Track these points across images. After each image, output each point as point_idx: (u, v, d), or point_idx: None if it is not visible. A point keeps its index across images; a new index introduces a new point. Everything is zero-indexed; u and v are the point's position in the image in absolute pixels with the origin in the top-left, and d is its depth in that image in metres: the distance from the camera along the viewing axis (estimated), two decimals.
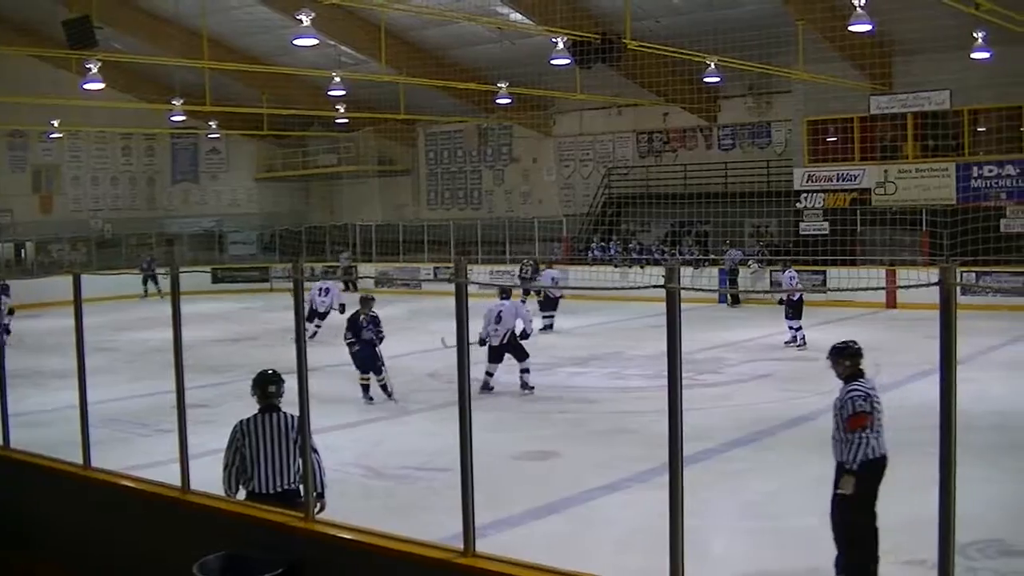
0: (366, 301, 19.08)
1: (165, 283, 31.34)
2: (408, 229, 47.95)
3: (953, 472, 4.37)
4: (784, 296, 25.09)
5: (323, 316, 27.58)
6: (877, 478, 9.10)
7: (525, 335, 19.60)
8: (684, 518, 5.10)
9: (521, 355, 19.26)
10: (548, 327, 28.36)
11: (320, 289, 27.73)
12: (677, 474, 5.08)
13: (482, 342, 18.94)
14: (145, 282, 42.24)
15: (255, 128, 46.54)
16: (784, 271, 27.44)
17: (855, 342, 9.55)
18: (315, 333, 26.46)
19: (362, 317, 18.78)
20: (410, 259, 46.28)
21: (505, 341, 19.01)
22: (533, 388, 19.09)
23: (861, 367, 9.44)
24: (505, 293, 19.78)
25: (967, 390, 16.00)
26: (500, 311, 19.00)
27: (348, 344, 18.95)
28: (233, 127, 47.97)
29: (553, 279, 30.87)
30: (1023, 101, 33.10)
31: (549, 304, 29.15)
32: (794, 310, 24.81)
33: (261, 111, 42.70)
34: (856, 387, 9.18)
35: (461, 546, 5.93)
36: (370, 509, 10.84)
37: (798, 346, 24.24)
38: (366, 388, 18.75)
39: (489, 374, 19.11)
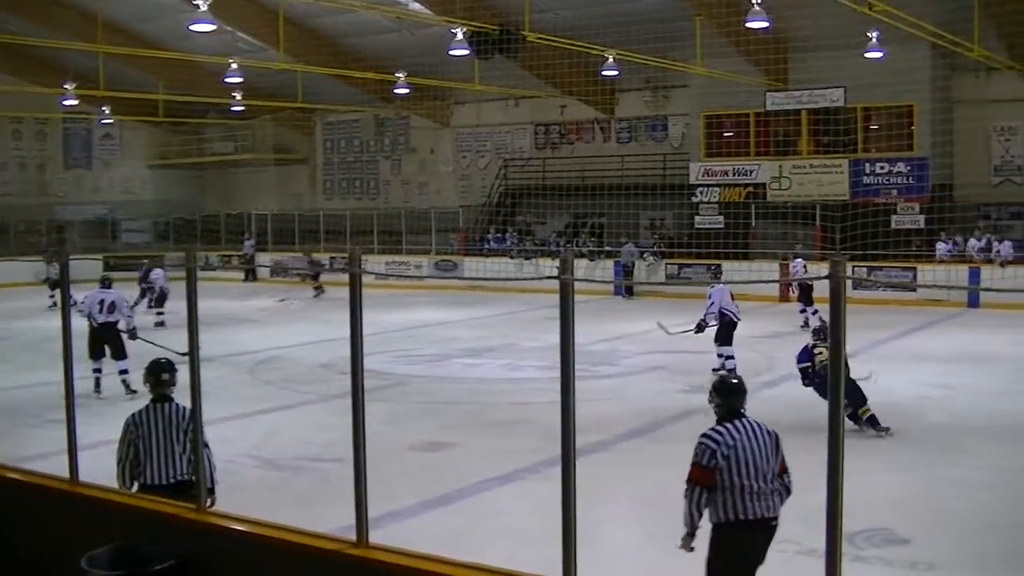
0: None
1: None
2: (304, 218, 47.66)
3: (841, 463, 4.41)
4: (795, 283, 25.51)
5: (160, 302, 29.03)
6: (736, 547, 7.72)
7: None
8: (577, 509, 5.11)
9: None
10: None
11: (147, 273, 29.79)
12: (570, 465, 5.09)
13: (700, 328, 19.47)
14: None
15: (150, 114, 45.96)
16: (794, 259, 28.09)
17: (736, 379, 8.52)
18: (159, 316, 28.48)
19: None
20: (306, 248, 45.99)
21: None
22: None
23: (741, 408, 8.25)
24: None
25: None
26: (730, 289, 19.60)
27: None
28: (127, 113, 47.30)
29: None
30: (915, 100, 33.66)
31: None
32: (804, 296, 25.61)
33: (156, 97, 42.18)
34: (709, 434, 7.92)
35: (354, 537, 5.91)
36: (263, 500, 10.75)
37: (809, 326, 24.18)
38: None
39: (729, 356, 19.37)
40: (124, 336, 18.64)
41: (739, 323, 19.66)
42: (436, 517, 10.88)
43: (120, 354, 18.36)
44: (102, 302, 18.34)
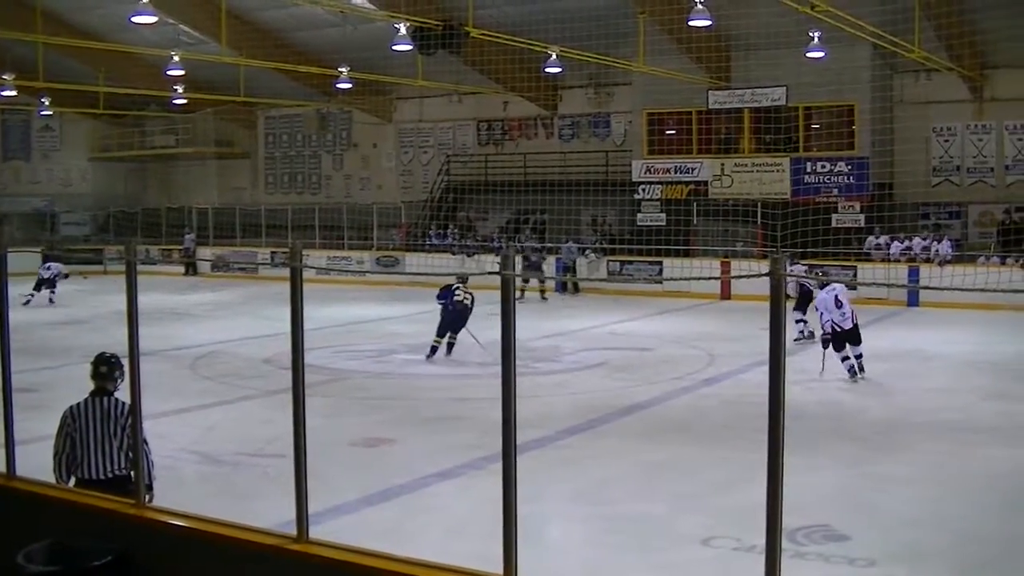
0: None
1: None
2: (246, 213, 47.41)
3: (781, 460, 4.44)
4: (795, 288, 24.18)
5: (51, 284, 32.61)
6: None
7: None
8: (518, 504, 5.12)
9: (857, 340, 18.67)
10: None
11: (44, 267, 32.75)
12: (511, 460, 5.10)
13: (826, 343, 18.58)
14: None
15: (91, 106, 45.41)
16: (792, 265, 26.28)
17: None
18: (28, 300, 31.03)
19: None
20: (247, 243, 45.80)
21: (855, 324, 18.45)
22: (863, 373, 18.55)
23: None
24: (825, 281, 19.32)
25: (798, 380, 16.39)
26: (836, 294, 18.34)
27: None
28: (67, 104, 46.83)
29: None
30: (856, 100, 33.93)
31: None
32: (802, 305, 23.89)
33: (97, 89, 41.71)
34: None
35: (295, 532, 5.89)
36: (203, 496, 10.70)
37: (805, 338, 23.21)
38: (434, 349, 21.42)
39: (847, 357, 18.57)
40: None
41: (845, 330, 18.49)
42: (376, 512, 10.87)
43: None
44: None
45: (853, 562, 9.30)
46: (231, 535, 6.22)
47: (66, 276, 33.71)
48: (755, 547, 8.35)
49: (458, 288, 21.48)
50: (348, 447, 13.59)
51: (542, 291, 33.65)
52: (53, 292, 32.88)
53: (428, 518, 10.69)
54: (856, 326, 18.48)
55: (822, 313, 18.58)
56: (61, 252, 39.76)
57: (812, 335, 22.65)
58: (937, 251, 32.05)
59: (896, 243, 32.78)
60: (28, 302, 30.90)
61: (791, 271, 24.86)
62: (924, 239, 32.73)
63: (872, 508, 10.99)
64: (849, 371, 18.39)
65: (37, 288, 32.22)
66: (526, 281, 32.86)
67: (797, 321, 23.48)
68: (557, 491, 11.35)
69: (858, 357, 18.56)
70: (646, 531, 10.29)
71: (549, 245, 37.92)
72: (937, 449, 13.64)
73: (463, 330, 21.46)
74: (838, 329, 18.33)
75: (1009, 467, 12.74)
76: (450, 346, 21.67)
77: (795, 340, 22.76)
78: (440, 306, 21.62)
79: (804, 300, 23.75)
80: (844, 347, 18.51)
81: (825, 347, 18.72)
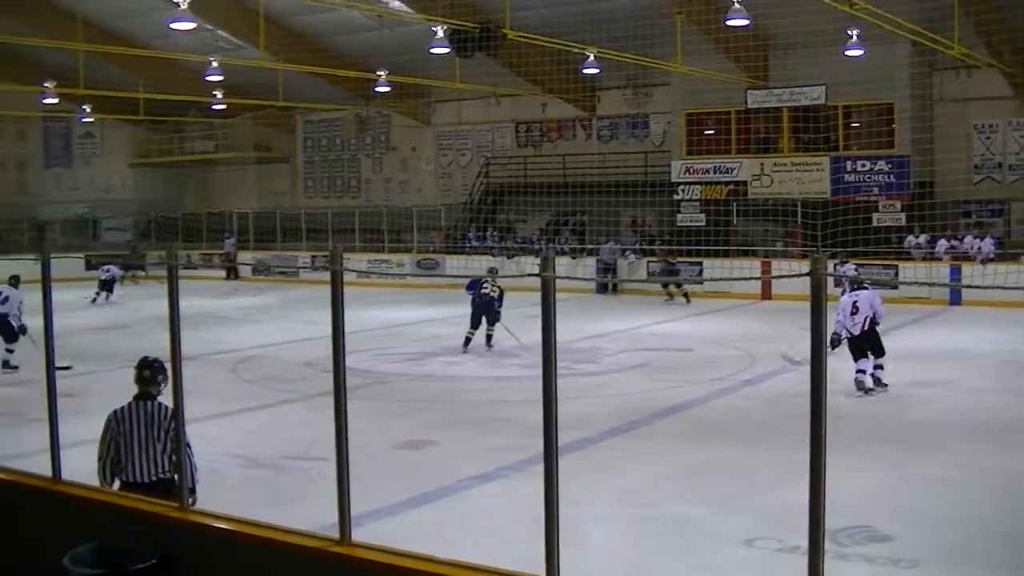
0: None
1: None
2: (285, 217, 47.58)
3: (823, 460, 4.42)
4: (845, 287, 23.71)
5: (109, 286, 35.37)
6: None
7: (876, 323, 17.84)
8: (560, 506, 5.11)
9: (878, 350, 17.74)
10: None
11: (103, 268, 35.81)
12: (552, 462, 5.09)
13: (834, 343, 17.20)
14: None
15: (130, 113, 45.73)
16: (843, 264, 26.38)
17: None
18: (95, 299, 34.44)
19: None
20: (288, 247, 45.96)
21: (866, 330, 17.48)
22: (887, 385, 17.62)
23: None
24: (857, 284, 18.61)
25: (839, 380, 16.31)
26: (856, 301, 17.55)
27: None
28: (108, 111, 47.11)
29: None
30: (895, 98, 33.75)
31: None
32: None
33: (137, 96, 42.01)
34: None
35: (337, 535, 5.90)
36: (246, 499, 10.74)
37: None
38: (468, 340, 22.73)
39: (861, 371, 17.48)
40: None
41: (852, 337, 17.65)
42: (418, 515, 10.88)
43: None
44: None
45: (897, 563, 9.25)
46: (274, 537, 6.24)
47: (121, 280, 36.58)
48: (798, 548, 8.30)
49: (486, 281, 22.47)
50: (390, 450, 13.62)
51: (684, 294, 33.46)
52: (111, 293, 35.72)
53: (470, 520, 10.70)
54: (875, 334, 17.61)
55: (838, 315, 17.68)
56: (131, 258, 40.67)
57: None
58: (979, 249, 31.84)
59: (943, 241, 32.52)
60: (95, 300, 34.73)
61: (843, 271, 24.85)
62: (975, 237, 32.47)
63: (914, 509, 10.94)
64: (856, 384, 17.29)
65: (100, 290, 35.59)
66: (665, 286, 33.68)
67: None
68: (599, 493, 11.34)
69: (877, 368, 17.63)
70: (688, 532, 10.26)
71: (589, 247, 37.90)
72: (978, 450, 13.53)
73: (500, 325, 22.62)
74: (848, 335, 17.54)
75: None
76: (488, 337, 22.88)
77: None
78: (469, 297, 23.06)
79: None
80: (863, 356, 17.56)
81: (832, 348, 17.19)
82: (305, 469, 12.57)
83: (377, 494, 10.75)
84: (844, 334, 17.57)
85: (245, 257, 45.71)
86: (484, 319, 22.80)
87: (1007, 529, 10.35)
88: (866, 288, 17.89)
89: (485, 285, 22.62)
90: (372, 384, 18.79)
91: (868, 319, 17.54)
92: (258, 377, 20.00)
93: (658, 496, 11.59)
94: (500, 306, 22.81)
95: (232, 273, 45.01)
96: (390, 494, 11.23)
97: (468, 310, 22.81)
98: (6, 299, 20.62)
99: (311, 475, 12.13)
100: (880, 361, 17.70)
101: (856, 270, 26.54)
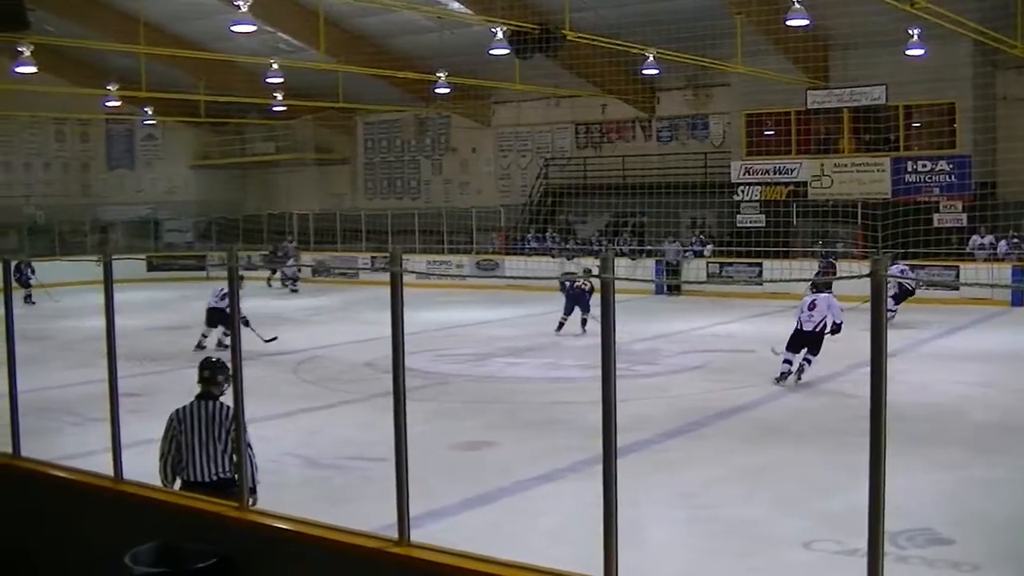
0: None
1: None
2: (345, 218, 47.74)
3: (883, 462, 4.40)
4: (895, 285, 25.03)
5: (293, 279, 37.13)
6: None
7: (837, 329, 18.74)
8: (619, 508, 5.11)
9: (814, 350, 18.59)
10: None
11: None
12: (611, 464, 5.10)
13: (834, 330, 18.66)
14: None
15: (192, 115, 46.07)
16: (892, 264, 26.84)
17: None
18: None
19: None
20: (348, 248, 46.10)
21: (816, 330, 18.38)
22: (800, 378, 18.52)
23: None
24: (819, 288, 19.45)
25: (899, 381, 16.20)
26: (815, 300, 18.66)
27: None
28: (169, 113, 47.53)
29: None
30: (957, 98, 33.49)
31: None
32: (900, 295, 25.42)
33: (198, 98, 42.31)
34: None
35: (396, 536, 5.93)
36: (306, 499, 10.81)
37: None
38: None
39: (789, 362, 18.54)
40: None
41: (800, 331, 18.62)
42: (477, 516, 10.91)
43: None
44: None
45: (957, 566, 9.19)
46: (333, 538, 6.28)
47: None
48: (857, 551, 8.26)
49: (579, 277, 24.88)
50: (448, 451, 13.66)
51: None
52: (295, 283, 40.21)
53: (528, 521, 10.71)
54: (821, 337, 18.40)
55: (799, 310, 18.75)
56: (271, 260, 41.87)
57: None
58: None
59: (1003, 242, 32.21)
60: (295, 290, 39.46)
61: (892, 271, 25.02)
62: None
63: (975, 512, 10.86)
64: (781, 373, 18.35)
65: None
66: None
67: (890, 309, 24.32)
68: (657, 495, 11.33)
69: (805, 360, 18.49)
70: (746, 534, 10.23)
71: (649, 248, 37.84)
72: None
73: (590, 318, 24.78)
74: (799, 328, 18.52)
75: None
76: (583, 322, 25.10)
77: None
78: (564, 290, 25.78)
79: (902, 296, 25.36)
80: (797, 351, 18.45)
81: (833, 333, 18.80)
82: (364, 469, 12.62)
83: (435, 495, 10.76)
84: (830, 323, 18.44)
85: (306, 258, 45.83)
86: (577, 308, 25.20)
87: None
88: (826, 293, 19.02)
89: (578, 280, 24.99)
90: (431, 385, 18.86)
91: (824, 321, 18.32)
92: (318, 378, 20.11)
93: (716, 498, 11.57)
94: (590, 299, 24.84)
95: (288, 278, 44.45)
96: (448, 495, 11.26)
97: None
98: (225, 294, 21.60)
99: (370, 476, 12.18)
100: (811, 357, 18.50)
101: (903, 271, 26.73)
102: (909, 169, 34.44)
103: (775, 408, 16.78)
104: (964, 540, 9.79)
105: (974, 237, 32.90)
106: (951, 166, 33.68)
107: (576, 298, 25.19)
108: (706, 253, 37.17)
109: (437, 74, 36.66)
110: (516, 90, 38.44)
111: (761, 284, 34.31)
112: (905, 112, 34.95)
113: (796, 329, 18.49)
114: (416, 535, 5.95)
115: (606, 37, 30.94)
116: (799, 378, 18.39)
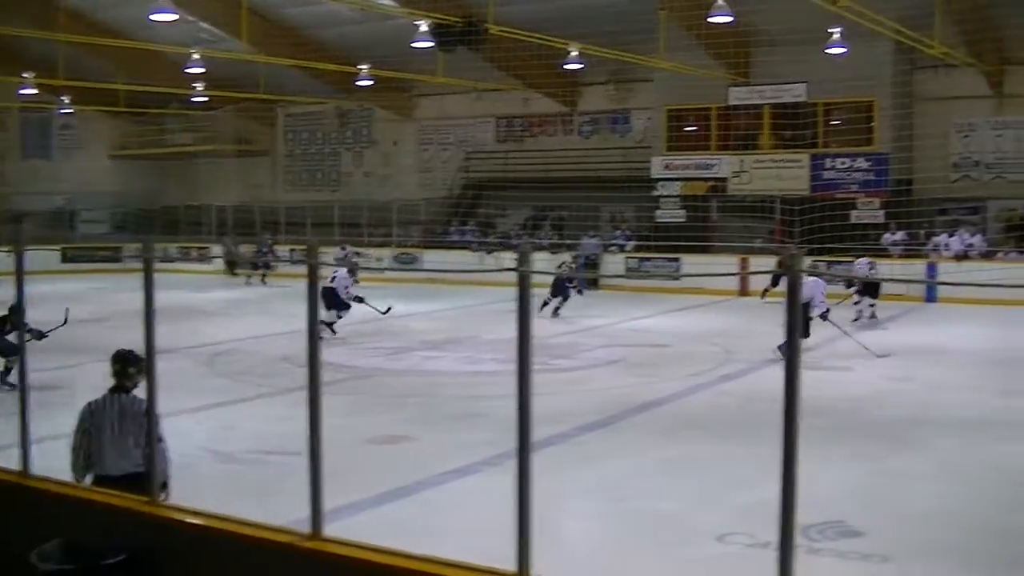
0: None
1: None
2: (265, 210, 47.46)
3: (795, 455, 4.41)
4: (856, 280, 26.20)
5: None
6: None
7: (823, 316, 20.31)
8: (535, 501, 5.09)
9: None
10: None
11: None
12: (526, 457, 5.07)
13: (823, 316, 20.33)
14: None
15: (111, 104, 45.55)
16: (859, 258, 28.61)
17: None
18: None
19: None
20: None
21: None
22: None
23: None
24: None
25: (815, 376, 16.33)
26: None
27: None
28: (87, 103, 46.98)
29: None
30: (876, 96, 33.88)
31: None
32: (866, 289, 25.99)
33: (117, 87, 41.81)
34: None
35: (309, 530, 5.88)
36: (220, 494, 10.66)
37: (868, 317, 26.13)
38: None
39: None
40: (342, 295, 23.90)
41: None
42: (393, 510, 10.86)
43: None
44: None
45: (867, 558, 9.28)
46: (244, 532, 6.21)
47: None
48: (770, 544, 8.29)
49: (563, 263, 27.30)
50: (366, 444, 13.60)
51: None
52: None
53: (445, 515, 10.68)
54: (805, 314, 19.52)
55: (817, 298, 20.09)
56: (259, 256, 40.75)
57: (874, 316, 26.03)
58: (971, 244, 32.21)
59: (957, 238, 32.65)
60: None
61: (857, 266, 26.48)
62: (972, 235, 32.78)
63: (886, 504, 10.98)
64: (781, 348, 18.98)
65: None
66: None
67: (855, 303, 25.94)
68: (575, 488, 11.34)
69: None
70: (661, 528, 10.27)
71: (569, 242, 37.89)
72: (952, 445, 13.63)
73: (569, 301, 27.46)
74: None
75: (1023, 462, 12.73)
76: (555, 310, 27.23)
77: (853, 320, 24.84)
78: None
79: (874, 288, 26.13)
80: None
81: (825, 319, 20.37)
82: (280, 464, 12.52)
83: (353, 488, 10.71)
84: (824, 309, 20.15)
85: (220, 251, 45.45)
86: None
87: (981, 523, 10.39)
88: (813, 277, 20.41)
89: (562, 265, 28.29)
90: (350, 379, 18.75)
91: (811, 302, 19.71)
92: (234, 371, 19.96)
93: (633, 491, 11.59)
94: (571, 286, 27.82)
95: (232, 267, 43.90)
96: (366, 488, 11.20)
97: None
98: (334, 277, 23.47)
99: (285, 470, 12.07)
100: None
101: (870, 263, 27.51)
102: (828, 166, 34.82)
103: (694, 402, 16.87)
104: (875, 532, 9.88)
105: (886, 235, 33.30)
106: (869, 163, 34.10)
107: (560, 282, 27.24)
108: (627, 248, 37.37)
109: (360, 66, 36.53)
110: (439, 83, 38.42)
111: (678, 279, 34.45)
112: (825, 109, 35.33)
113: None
114: (332, 529, 5.90)
115: (529, 31, 30.94)
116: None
